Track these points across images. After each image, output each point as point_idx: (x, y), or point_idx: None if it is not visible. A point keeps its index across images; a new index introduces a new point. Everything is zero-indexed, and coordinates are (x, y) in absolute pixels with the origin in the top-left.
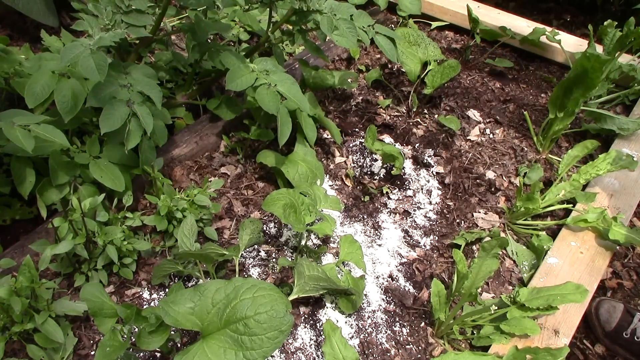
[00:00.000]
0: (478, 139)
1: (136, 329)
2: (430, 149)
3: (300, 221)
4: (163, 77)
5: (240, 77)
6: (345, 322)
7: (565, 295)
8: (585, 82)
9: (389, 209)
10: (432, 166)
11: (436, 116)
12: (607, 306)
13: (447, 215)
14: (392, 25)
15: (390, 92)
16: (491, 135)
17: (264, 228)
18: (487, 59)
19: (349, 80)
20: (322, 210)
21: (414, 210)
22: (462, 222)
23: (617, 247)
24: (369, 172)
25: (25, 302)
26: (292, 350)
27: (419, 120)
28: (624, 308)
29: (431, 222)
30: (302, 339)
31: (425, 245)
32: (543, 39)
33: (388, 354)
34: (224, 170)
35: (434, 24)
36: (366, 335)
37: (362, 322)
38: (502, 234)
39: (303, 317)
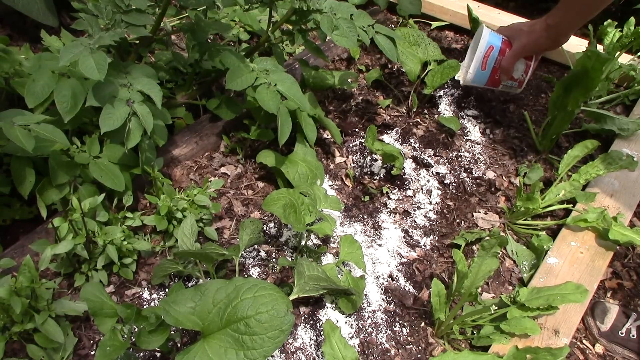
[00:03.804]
0: (478, 139)
1: (136, 329)
2: (430, 149)
3: (300, 221)
4: (163, 77)
5: (240, 76)
6: (345, 322)
7: (566, 295)
8: (585, 82)
9: (389, 209)
10: (432, 166)
11: (436, 116)
12: (603, 307)
13: (447, 215)
14: (392, 25)
15: (390, 92)
16: (491, 135)
17: (264, 228)
18: None
19: (349, 80)
20: (322, 210)
21: (414, 210)
22: (462, 222)
23: (617, 247)
24: (369, 172)
25: (25, 302)
26: (292, 350)
27: (419, 120)
28: (619, 309)
29: (431, 222)
30: (302, 339)
31: (425, 245)
32: None
33: (388, 354)
34: (224, 170)
35: (434, 24)
36: (366, 335)
37: (362, 322)
38: (502, 234)
39: (303, 317)
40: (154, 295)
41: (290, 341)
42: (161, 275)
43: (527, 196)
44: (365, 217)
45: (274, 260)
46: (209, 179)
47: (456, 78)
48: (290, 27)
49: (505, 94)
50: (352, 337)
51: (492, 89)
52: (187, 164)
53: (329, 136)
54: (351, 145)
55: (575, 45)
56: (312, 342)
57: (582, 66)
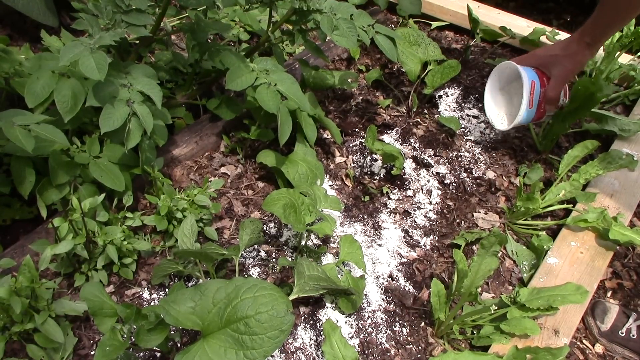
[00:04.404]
0: (478, 139)
1: (136, 329)
2: (430, 149)
3: (300, 221)
4: (163, 77)
5: (241, 76)
6: (345, 322)
7: (566, 296)
8: (589, 105)
9: (389, 209)
10: (432, 166)
11: (436, 116)
12: (603, 307)
13: (447, 215)
14: (392, 25)
15: (390, 92)
16: (491, 135)
17: (264, 228)
18: (487, 59)
19: (349, 80)
20: (322, 210)
21: (414, 210)
22: (462, 222)
23: (617, 247)
24: (369, 172)
25: (25, 302)
26: (292, 350)
27: (419, 120)
28: (619, 309)
29: (431, 222)
30: (302, 338)
31: (425, 245)
32: (543, 39)
33: (388, 354)
34: (224, 170)
35: (434, 24)
36: (366, 335)
37: (362, 322)
38: (502, 234)
39: (303, 317)
40: (154, 295)
41: (290, 341)
42: (161, 275)
43: (527, 196)
44: (365, 217)
45: (274, 260)
46: (209, 179)
47: (495, 127)
48: (290, 27)
49: None
50: (352, 337)
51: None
52: (187, 164)
53: (329, 136)
54: (351, 145)
55: None
56: (312, 341)
57: (585, 89)
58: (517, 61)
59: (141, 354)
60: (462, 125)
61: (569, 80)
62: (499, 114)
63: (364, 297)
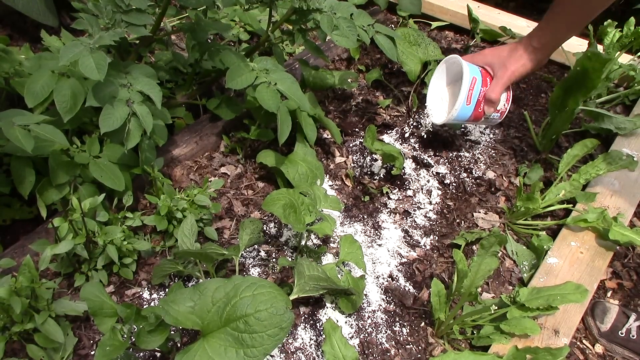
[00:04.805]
0: (478, 139)
1: (136, 329)
2: (430, 149)
3: (300, 221)
4: (163, 77)
5: (241, 75)
6: (345, 322)
7: (566, 295)
8: (586, 82)
9: (389, 209)
10: (432, 166)
11: None
12: (603, 307)
13: (447, 215)
14: (392, 25)
15: (390, 92)
16: (491, 135)
17: (264, 228)
18: None
19: (349, 80)
20: (322, 210)
21: (414, 210)
22: (462, 222)
23: (617, 247)
24: (369, 172)
25: (25, 302)
26: (292, 350)
27: (419, 120)
28: (619, 309)
29: (431, 222)
30: (302, 338)
31: (425, 245)
32: None
33: (388, 354)
34: (224, 170)
35: (434, 24)
36: (366, 335)
37: (362, 322)
38: (502, 234)
39: (303, 317)
40: (154, 295)
41: (290, 341)
42: (161, 275)
43: (527, 196)
44: (365, 217)
45: (274, 260)
46: (209, 179)
47: (431, 120)
48: (290, 27)
49: None
50: (352, 337)
51: (469, 124)
52: (187, 164)
53: (329, 136)
54: (351, 145)
55: (575, 45)
56: (312, 341)
57: (582, 67)
58: (467, 59)
59: (141, 353)
60: (462, 125)
61: (512, 83)
62: (440, 107)
63: (364, 297)
